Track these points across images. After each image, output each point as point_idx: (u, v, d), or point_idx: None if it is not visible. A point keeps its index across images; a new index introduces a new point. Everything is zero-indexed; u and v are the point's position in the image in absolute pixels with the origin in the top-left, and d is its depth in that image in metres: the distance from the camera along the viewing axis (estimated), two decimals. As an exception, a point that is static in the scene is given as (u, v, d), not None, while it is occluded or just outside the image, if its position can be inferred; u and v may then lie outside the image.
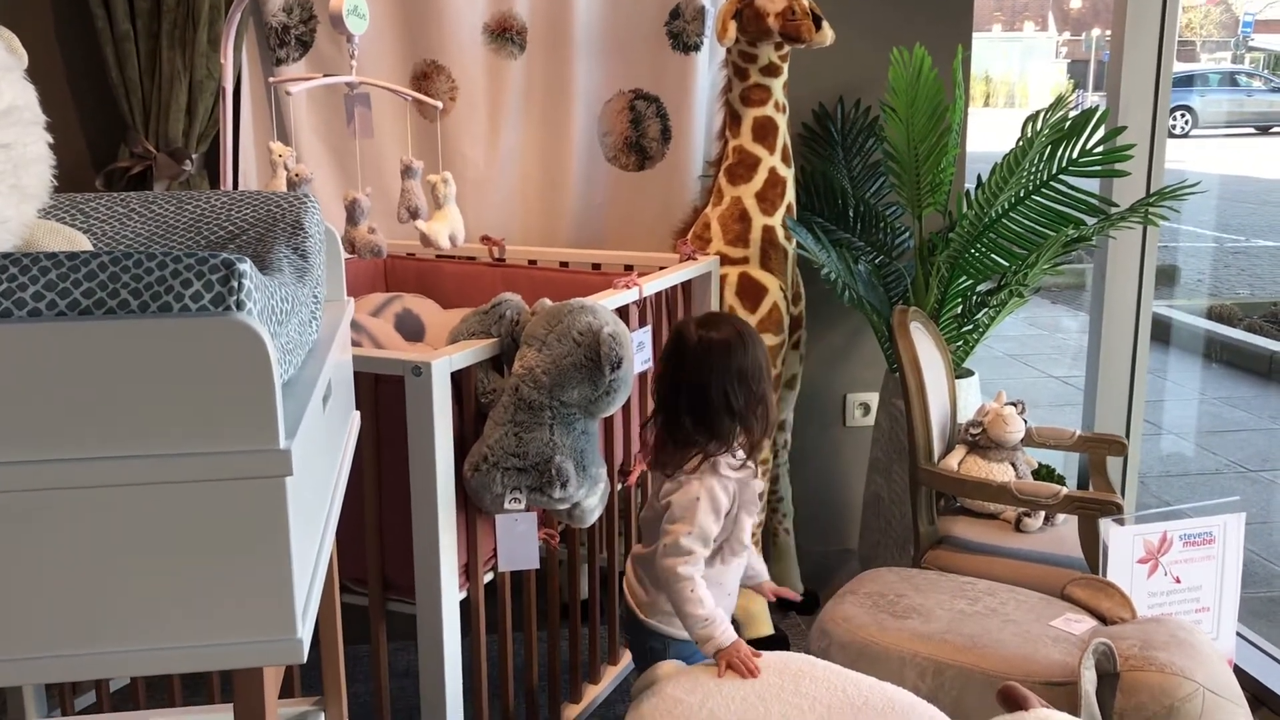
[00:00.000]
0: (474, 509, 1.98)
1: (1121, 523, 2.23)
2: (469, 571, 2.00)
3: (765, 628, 2.78)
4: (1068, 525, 2.48)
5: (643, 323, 2.37)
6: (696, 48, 2.84)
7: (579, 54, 2.86)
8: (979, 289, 2.85)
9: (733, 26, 2.62)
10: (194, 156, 2.70)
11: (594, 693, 2.43)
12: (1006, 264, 2.74)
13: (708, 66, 2.88)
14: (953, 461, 2.53)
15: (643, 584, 2.00)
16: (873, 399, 3.16)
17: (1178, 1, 2.94)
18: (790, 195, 2.76)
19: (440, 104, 2.61)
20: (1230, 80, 12.77)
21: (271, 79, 2.68)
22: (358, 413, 1.61)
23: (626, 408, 2.33)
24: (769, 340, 2.68)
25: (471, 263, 2.84)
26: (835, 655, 1.98)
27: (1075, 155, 2.63)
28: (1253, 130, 12.47)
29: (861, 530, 3.05)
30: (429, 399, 1.81)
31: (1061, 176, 2.66)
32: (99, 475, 0.89)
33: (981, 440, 2.54)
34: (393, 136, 2.78)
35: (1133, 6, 2.94)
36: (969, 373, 2.90)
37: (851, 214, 2.97)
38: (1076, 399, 4.57)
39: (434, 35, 2.83)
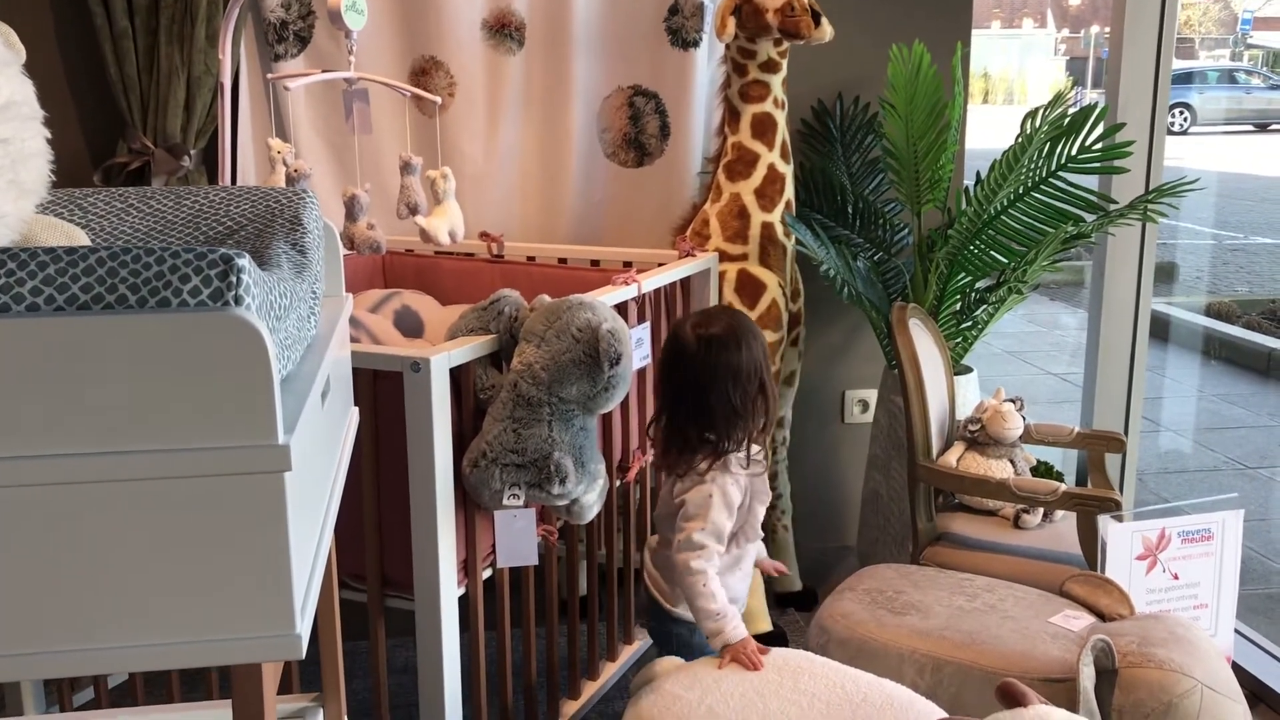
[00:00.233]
0: (473, 505, 1.98)
1: (1120, 519, 2.23)
2: (468, 568, 2.00)
3: (764, 624, 2.78)
4: (1066, 522, 2.48)
5: (641, 319, 2.37)
6: (695, 44, 2.83)
7: (578, 50, 2.86)
8: (978, 286, 2.85)
9: (732, 22, 2.62)
10: (192, 152, 2.69)
11: (593, 689, 2.43)
12: (1005, 261, 2.74)
13: (707, 63, 2.88)
14: (951, 458, 2.53)
15: (664, 573, 2.05)
16: (871, 396, 3.16)
17: (1176, -2, 2.95)
18: (789, 192, 2.76)
19: (439, 100, 2.61)
20: (1229, 77, 12.78)
21: (270, 75, 2.67)
22: (356, 409, 1.61)
23: (625, 404, 2.33)
24: (768, 337, 2.68)
25: (470, 259, 2.84)
26: (834, 652, 1.98)
27: (1074, 152, 2.63)
28: (1251, 127, 12.48)
29: (860, 527, 3.05)
30: (428, 395, 1.81)
31: (1060, 173, 2.66)
32: (97, 470, 0.89)
33: (980, 437, 2.54)
34: (391, 132, 2.78)
35: (1132, 4, 2.94)
36: (968, 369, 2.90)
37: (850, 210, 2.97)
38: (1075, 396, 4.57)
39: (432, 31, 2.82)
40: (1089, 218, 2.71)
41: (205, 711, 1.62)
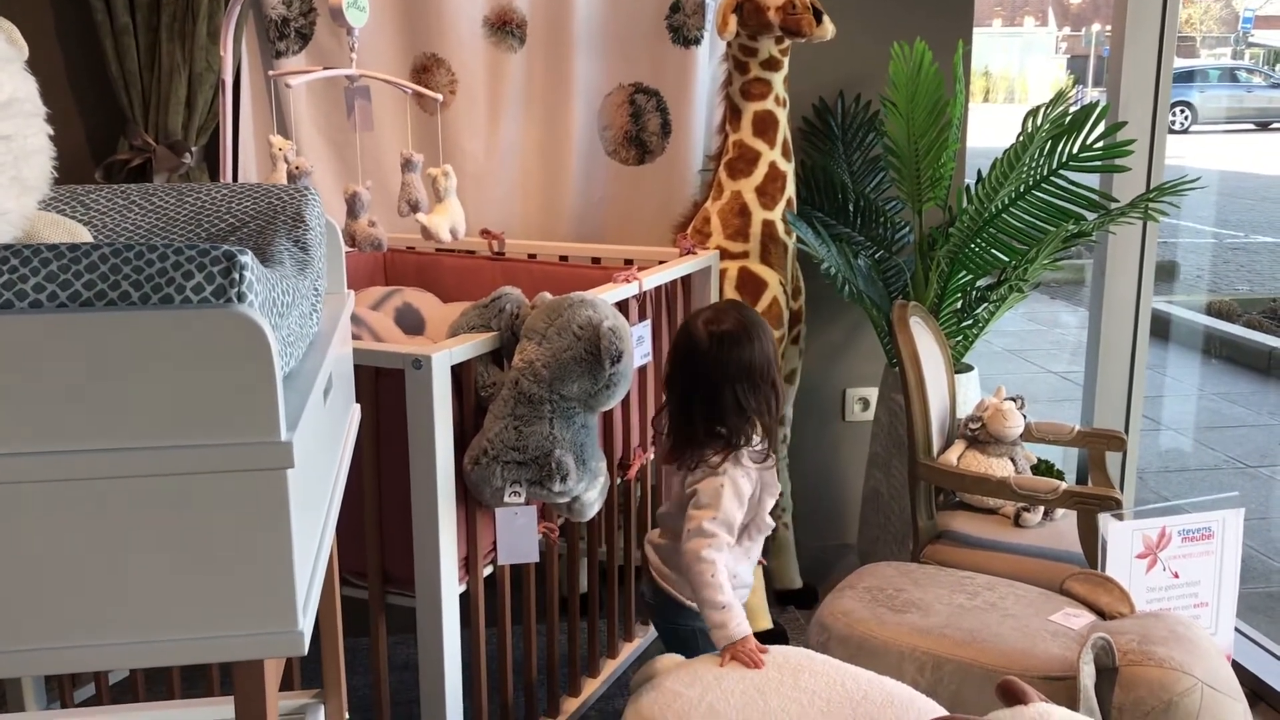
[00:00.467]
0: (474, 502, 1.98)
1: (1120, 518, 2.23)
2: (469, 565, 2.00)
3: (764, 622, 2.78)
4: (1067, 520, 2.48)
5: (642, 317, 2.37)
6: (697, 41, 2.83)
7: (579, 47, 2.86)
8: (979, 284, 2.85)
9: (733, 20, 2.62)
10: (193, 149, 2.69)
11: (593, 686, 2.44)
12: (1006, 259, 2.74)
13: (708, 60, 2.88)
14: (952, 456, 2.53)
15: (671, 568, 2.04)
16: (872, 394, 3.16)
17: (1177, -3, 2.95)
18: (790, 190, 2.75)
19: (440, 97, 2.60)
20: (1230, 76, 12.77)
21: (271, 72, 2.67)
22: (358, 406, 1.61)
23: (626, 401, 2.33)
24: (769, 335, 2.68)
25: (471, 256, 2.84)
26: (834, 649, 1.98)
27: (1075, 150, 2.63)
28: (1252, 126, 12.47)
29: (860, 525, 3.05)
30: (429, 392, 1.81)
31: (1062, 172, 2.66)
32: (99, 467, 0.89)
33: (981, 435, 2.54)
34: (393, 130, 2.78)
35: (1133, 2, 2.93)
36: (968, 368, 2.90)
37: (851, 209, 2.97)
38: (1075, 394, 4.57)
39: (434, 28, 2.82)
40: (1090, 216, 2.71)
41: (206, 708, 1.62)
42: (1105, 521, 2.25)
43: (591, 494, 2.07)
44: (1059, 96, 2.60)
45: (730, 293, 2.72)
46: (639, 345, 2.30)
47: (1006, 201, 2.69)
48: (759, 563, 2.20)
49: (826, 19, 2.62)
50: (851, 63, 3.02)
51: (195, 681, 2.49)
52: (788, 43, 2.67)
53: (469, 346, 1.94)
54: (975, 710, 1.82)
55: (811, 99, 3.04)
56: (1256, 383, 5.74)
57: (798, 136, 2.97)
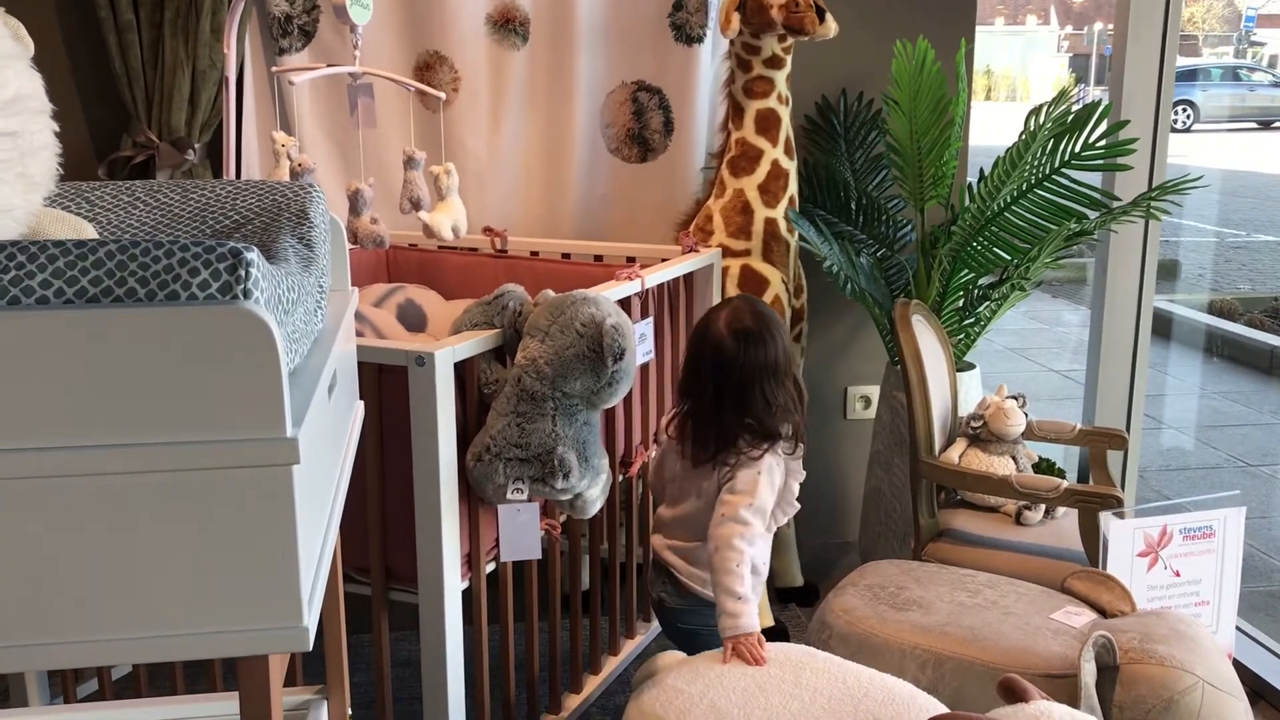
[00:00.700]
0: (476, 499, 1.98)
1: (1122, 516, 2.23)
2: (471, 561, 2.01)
3: (765, 619, 2.78)
4: (1068, 519, 2.48)
5: (645, 314, 2.38)
6: (699, 39, 2.83)
7: (582, 45, 2.86)
8: (981, 282, 2.85)
9: (736, 18, 2.62)
10: (196, 146, 2.69)
11: (595, 683, 2.44)
12: (1008, 257, 2.74)
13: (711, 58, 2.88)
14: (953, 455, 2.53)
15: (702, 568, 2.02)
16: (874, 392, 3.17)
17: (1180, -4, 2.94)
18: (793, 188, 2.76)
19: (443, 95, 2.61)
20: (1232, 75, 12.74)
21: (274, 69, 2.67)
22: (361, 402, 1.61)
23: (628, 399, 2.33)
24: (771, 333, 2.68)
25: (474, 254, 2.84)
26: (835, 647, 1.99)
27: (1078, 149, 2.63)
28: (1254, 125, 12.45)
29: (862, 523, 3.05)
30: (432, 389, 1.82)
31: (1064, 170, 2.66)
32: (105, 463, 0.89)
33: (982, 433, 2.54)
34: (395, 127, 2.78)
35: (1135, 1, 2.93)
36: (970, 366, 2.90)
37: (854, 207, 2.98)
38: (1077, 393, 4.57)
39: (437, 26, 2.82)
40: (1092, 215, 2.71)
41: (210, 703, 1.62)
42: (1106, 520, 2.25)
43: (594, 491, 2.07)
44: (1061, 95, 2.60)
45: (732, 290, 2.72)
46: (641, 343, 2.30)
47: (1008, 200, 2.69)
48: None
49: (829, 17, 2.62)
50: (854, 61, 3.02)
51: (198, 677, 2.50)
52: (790, 41, 2.67)
53: (472, 344, 1.94)
54: (976, 708, 1.82)
55: (814, 97, 3.05)
56: (1258, 381, 5.73)
57: (800, 134, 2.98)
